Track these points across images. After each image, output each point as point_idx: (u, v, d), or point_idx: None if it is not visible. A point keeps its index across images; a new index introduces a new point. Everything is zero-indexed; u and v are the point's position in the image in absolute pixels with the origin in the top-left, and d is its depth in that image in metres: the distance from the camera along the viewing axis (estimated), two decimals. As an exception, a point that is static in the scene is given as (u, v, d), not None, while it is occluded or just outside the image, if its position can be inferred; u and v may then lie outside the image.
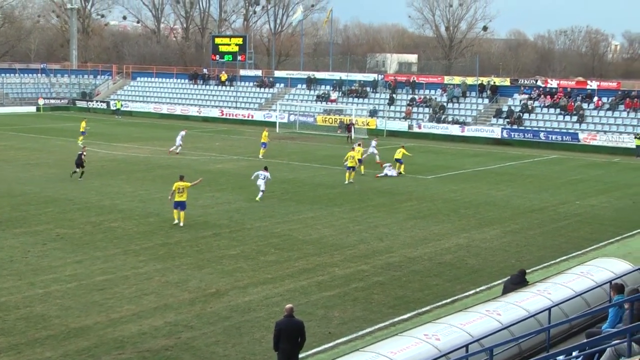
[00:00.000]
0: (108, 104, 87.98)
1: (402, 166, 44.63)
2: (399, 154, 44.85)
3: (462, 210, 34.15)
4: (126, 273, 22.82)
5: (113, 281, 22.02)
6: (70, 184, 38.26)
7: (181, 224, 29.09)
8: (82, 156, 39.78)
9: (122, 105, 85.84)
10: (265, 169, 35.49)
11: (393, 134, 67.85)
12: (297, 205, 33.92)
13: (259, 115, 77.94)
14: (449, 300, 20.98)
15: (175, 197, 29.27)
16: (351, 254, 25.68)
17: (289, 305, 15.07)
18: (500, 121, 66.63)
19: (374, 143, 49.13)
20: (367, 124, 70.06)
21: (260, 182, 34.64)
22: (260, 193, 34.71)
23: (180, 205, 29.29)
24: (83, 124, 57.96)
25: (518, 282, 18.06)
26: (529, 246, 27.68)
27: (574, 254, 26.30)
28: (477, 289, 22.10)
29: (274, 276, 22.90)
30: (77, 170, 39.35)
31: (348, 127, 64.66)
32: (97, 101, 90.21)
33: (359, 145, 43.32)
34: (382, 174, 43.16)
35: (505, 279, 19.28)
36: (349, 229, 29.66)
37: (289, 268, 23.83)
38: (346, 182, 40.22)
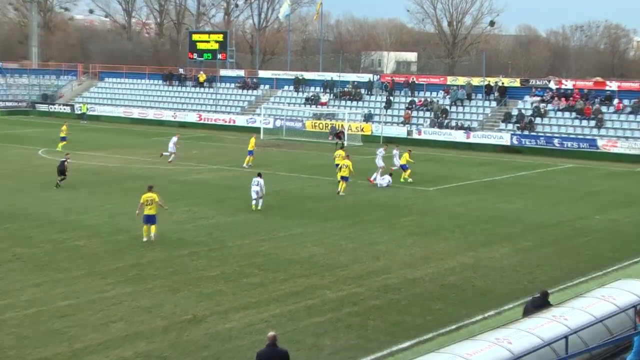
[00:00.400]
0: (72, 107, 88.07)
1: (408, 172, 45.32)
2: (403, 159, 45.43)
3: (468, 225, 34.22)
4: (92, 297, 22.70)
5: (77, 307, 21.88)
6: (29, 197, 38.25)
7: (152, 238, 29.15)
8: (65, 163, 40.79)
9: (88, 109, 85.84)
10: (259, 175, 36.66)
11: (390, 140, 67.17)
12: (283, 221, 33.94)
13: (241, 120, 78.21)
14: (453, 327, 20.93)
15: (145, 210, 29.25)
16: (344, 275, 25.69)
17: (271, 333, 15.04)
18: (510, 126, 66.93)
19: (381, 152, 47.67)
20: (362, 130, 70.35)
21: (256, 189, 35.74)
22: (260, 201, 35.89)
23: (150, 220, 29.32)
24: (64, 128, 58.68)
25: (540, 304, 17.95)
26: (542, 266, 27.70)
27: (593, 275, 26.36)
28: (485, 314, 22.07)
29: (258, 300, 22.83)
30: (63, 177, 40.71)
31: (337, 134, 64.62)
32: (60, 104, 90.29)
33: (348, 157, 42.90)
34: (373, 179, 43.70)
35: (526, 302, 19.27)
36: (341, 246, 29.70)
37: (274, 291, 23.78)
38: (341, 192, 40.54)
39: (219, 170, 49.32)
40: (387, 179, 44.07)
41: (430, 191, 43.31)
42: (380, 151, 47.61)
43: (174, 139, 52.68)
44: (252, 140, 51.86)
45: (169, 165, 50.00)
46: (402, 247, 29.78)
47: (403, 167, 45.78)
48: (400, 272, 26.31)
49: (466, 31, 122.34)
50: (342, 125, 68.77)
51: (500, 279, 25.92)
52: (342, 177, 40.82)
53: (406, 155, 45.86)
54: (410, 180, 45.36)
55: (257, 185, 35.92)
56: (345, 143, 62.18)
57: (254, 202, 36.03)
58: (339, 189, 40.78)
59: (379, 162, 46.38)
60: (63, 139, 57.06)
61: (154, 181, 35.64)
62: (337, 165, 43.52)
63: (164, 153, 51.98)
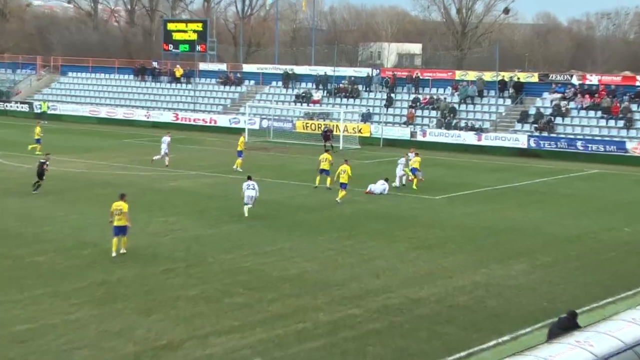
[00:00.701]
0: (31, 105, 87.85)
1: (415, 180, 46.05)
2: (415, 162, 46.05)
3: (480, 239, 34.26)
4: (54, 320, 22.61)
5: (37, 331, 21.77)
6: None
7: (123, 250, 29.25)
8: (45, 166, 41.47)
9: (49, 108, 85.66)
10: (249, 178, 37.44)
11: (391, 143, 68.32)
12: (271, 233, 33.98)
13: (223, 120, 78.41)
14: (463, 354, 20.90)
15: (114, 221, 29.37)
16: (339, 295, 25.65)
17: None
18: (527, 127, 67.11)
19: (404, 160, 47.43)
20: (360, 131, 70.43)
21: (251, 193, 36.54)
22: (248, 205, 36.52)
23: (121, 231, 29.47)
24: (37, 129, 58.98)
25: (567, 326, 17.93)
26: (564, 284, 27.68)
27: (622, 295, 26.28)
28: (499, 339, 22.03)
29: (242, 323, 22.80)
30: (39, 181, 41.53)
31: (325, 134, 64.80)
32: (16, 102, 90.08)
33: (346, 161, 43.17)
34: (371, 190, 43.92)
35: (551, 323, 19.27)
36: (336, 262, 29.67)
37: (261, 312, 23.76)
38: (338, 200, 40.97)
39: (198, 176, 49.37)
40: (382, 185, 44.28)
41: (437, 200, 43.31)
42: (402, 161, 47.42)
43: (167, 138, 53.41)
44: (241, 140, 52.63)
45: (139, 171, 49.87)
46: (404, 263, 29.75)
47: (414, 172, 46.30)
48: (402, 291, 26.25)
49: (477, 19, 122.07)
50: (331, 124, 68.80)
51: (516, 299, 25.84)
52: (341, 184, 41.26)
53: (419, 160, 46.61)
54: (414, 187, 45.85)
55: (253, 189, 36.69)
56: (341, 146, 62.02)
57: (246, 207, 36.61)
58: (338, 197, 41.23)
59: (400, 171, 46.87)
60: (37, 141, 57.45)
61: (125, 189, 35.56)
62: (321, 170, 44.86)
63: (155, 157, 52.69)
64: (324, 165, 44.83)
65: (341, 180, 41.33)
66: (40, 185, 41.70)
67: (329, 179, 44.26)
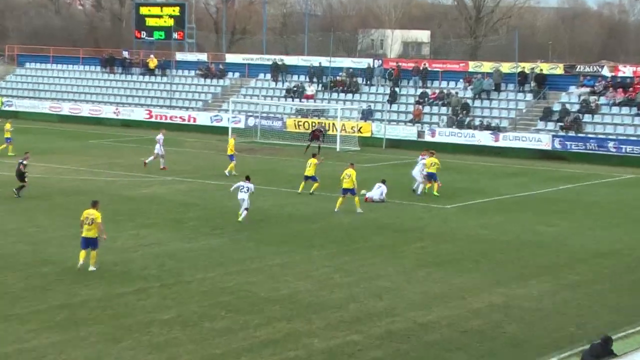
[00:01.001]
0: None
1: (436, 185, 46.35)
2: (432, 166, 46.33)
3: (497, 254, 34.18)
4: (6, 349, 22.42)
5: (-12, 361, 21.68)
6: None
7: (91, 267, 29.13)
8: (21, 166, 42.95)
9: (3, 104, 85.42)
10: (247, 178, 38.34)
11: (395, 144, 68.53)
12: (258, 248, 33.91)
13: (203, 118, 78.43)
14: (479, 386, 20.87)
15: (83, 231, 29.39)
16: (336, 319, 25.55)
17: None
18: (550, 126, 67.14)
19: (423, 160, 47.62)
20: (359, 131, 70.47)
21: (243, 196, 37.29)
22: (244, 212, 37.52)
23: (90, 244, 29.45)
24: (7, 126, 59.61)
25: (600, 354, 17.93)
26: (595, 307, 27.57)
27: (661, 319, 26.14)
28: (520, 369, 22.04)
29: (225, 351, 22.70)
30: (22, 184, 42.68)
31: (314, 133, 64.78)
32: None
33: (352, 165, 42.97)
34: (365, 194, 43.85)
35: (583, 351, 19.29)
36: (333, 281, 29.55)
37: (246, 339, 23.61)
38: (336, 209, 41.13)
39: (174, 182, 49.31)
40: (379, 189, 44.33)
41: (448, 209, 43.39)
42: (421, 160, 47.76)
43: (160, 137, 53.82)
44: (231, 143, 53.15)
45: (107, 176, 49.86)
46: (411, 282, 29.63)
47: (431, 178, 46.51)
48: (409, 314, 26.16)
49: (494, 3, 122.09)
50: (326, 123, 69.06)
51: (539, 323, 25.72)
52: (346, 190, 41.19)
53: (437, 161, 46.80)
54: (435, 193, 46.36)
55: (247, 192, 37.61)
56: (338, 148, 61.96)
57: (242, 211, 37.86)
58: (336, 207, 41.37)
59: (418, 173, 47.06)
60: (8, 140, 58.20)
61: (90, 196, 35.26)
62: (307, 177, 45.27)
63: (148, 159, 53.25)
64: (309, 171, 45.17)
65: (344, 186, 41.20)
66: (24, 187, 42.64)
67: (316, 185, 45.17)
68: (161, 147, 53.45)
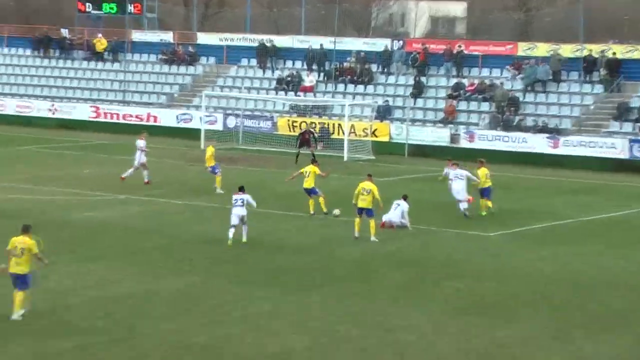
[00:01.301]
0: None
1: (489, 203, 46.64)
2: (485, 180, 46.48)
3: (557, 296, 33.43)
4: None
5: None
6: None
7: (18, 313, 28.07)
8: None
9: None
10: (241, 189, 39.27)
11: (421, 151, 68.60)
12: (239, 288, 33.19)
13: (167, 117, 77.63)
14: None
15: (10, 265, 28.57)
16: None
17: None
18: (627, 127, 66.52)
19: (465, 173, 47.63)
20: (373, 134, 69.55)
21: (240, 212, 38.19)
22: (245, 228, 38.36)
23: (20, 283, 28.51)
24: None
25: None
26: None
27: None
28: None
29: None
30: None
31: (304, 136, 64.47)
32: None
33: (370, 177, 42.39)
34: (389, 221, 43.25)
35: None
36: (338, 334, 28.36)
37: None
38: (356, 234, 40.97)
39: (127, 202, 49.13)
40: (399, 209, 43.31)
41: (491, 237, 43.05)
42: (462, 174, 47.75)
43: (141, 143, 53.83)
44: (210, 152, 52.71)
45: (39, 194, 49.62)
46: (441, 335, 28.54)
47: (485, 194, 46.83)
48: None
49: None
50: (327, 123, 69.85)
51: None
52: (362, 210, 40.51)
53: (486, 172, 46.87)
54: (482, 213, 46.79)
55: (243, 204, 38.23)
56: (345, 156, 63.23)
57: (231, 231, 38.14)
58: (355, 232, 40.94)
59: (462, 189, 46.93)
60: None
61: (21, 220, 33.14)
62: (308, 191, 45.55)
63: (127, 173, 53.28)
64: (308, 183, 45.06)
65: (360, 205, 40.47)
66: None
67: (321, 200, 45.18)
68: (141, 155, 53.42)
